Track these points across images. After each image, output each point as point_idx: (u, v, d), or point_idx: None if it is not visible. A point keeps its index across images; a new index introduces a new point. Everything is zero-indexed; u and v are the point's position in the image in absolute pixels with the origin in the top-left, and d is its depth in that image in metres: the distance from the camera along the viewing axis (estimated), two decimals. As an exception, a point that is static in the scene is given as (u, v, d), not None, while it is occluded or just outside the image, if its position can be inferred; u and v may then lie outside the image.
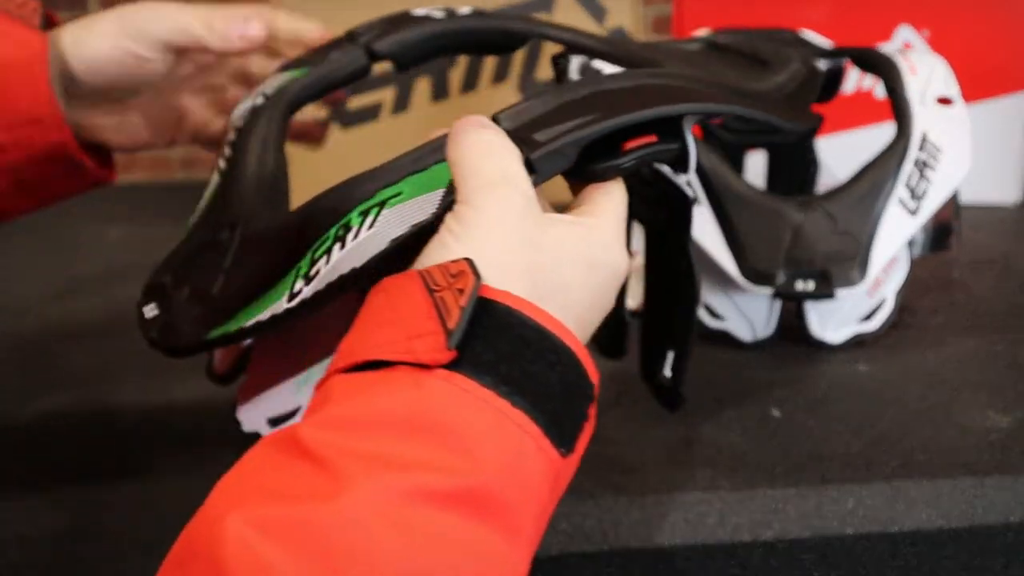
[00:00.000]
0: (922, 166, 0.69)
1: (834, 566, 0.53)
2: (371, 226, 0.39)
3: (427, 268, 0.35)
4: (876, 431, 0.60)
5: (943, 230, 0.74)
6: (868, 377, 0.67)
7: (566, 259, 0.37)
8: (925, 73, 0.74)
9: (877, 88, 1.09)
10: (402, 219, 0.39)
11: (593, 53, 0.59)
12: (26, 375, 0.70)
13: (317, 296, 0.39)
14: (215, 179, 0.52)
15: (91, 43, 0.52)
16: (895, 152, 0.69)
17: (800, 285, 0.67)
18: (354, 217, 0.39)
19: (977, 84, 1.06)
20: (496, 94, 1.10)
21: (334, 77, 0.55)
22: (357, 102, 1.06)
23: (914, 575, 0.54)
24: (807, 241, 0.68)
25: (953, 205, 0.74)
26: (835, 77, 0.83)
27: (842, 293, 0.67)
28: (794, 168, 0.89)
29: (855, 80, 1.10)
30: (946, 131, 0.70)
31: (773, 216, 0.68)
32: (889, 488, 0.54)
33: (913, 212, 0.68)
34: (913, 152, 0.69)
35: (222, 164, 0.51)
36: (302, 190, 0.49)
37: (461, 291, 0.33)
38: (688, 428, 0.61)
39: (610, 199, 0.41)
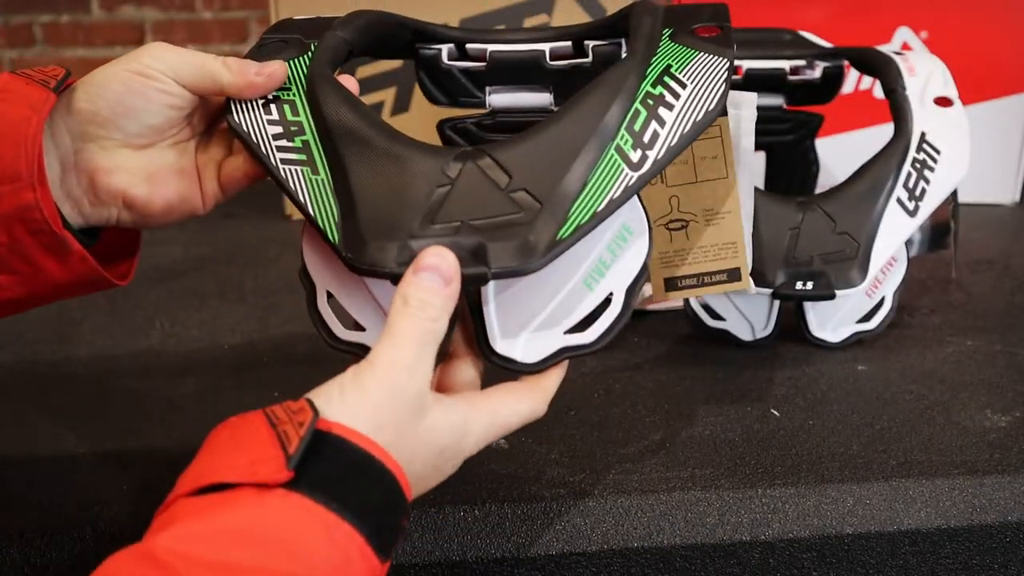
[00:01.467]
0: (921, 166, 0.69)
1: (833, 565, 0.53)
2: (685, 83, 0.49)
3: (272, 408, 0.41)
4: (875, 431, 0.60)
5: (942, 230, 0.74)
6: (867, 377, 0.67)
7: (442, 438, 0.44)
8: (924, 74, 0.74)
9: (876, 88, 1.10)
10: (713, 66, 0.50)
11: (457, 40, 0.64)
12: (25, 374, 0.70)
13: (671, 151, 0.47)
14: (302, 171, 0.49)
15: (97, 73, 0.49)
16: (894, 153, 0.69)
17: (800, 286, 0.67)
18: (652, 89, 0.49)
19: (976, 85, 1.06)
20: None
21: (337, 56, 0.55)
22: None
23: (913, 574, 0.54)
24: (807, 241, 0.68)
25: (952, 205, 0.74)
26: (835, 78, 0.83)
27: (841, 293, 0.67)
28: (794, 168, 0.89)
29: (855, 81, 1.10)
30: (945, 132, 0.71)
31: (773, 216, 0.69)
32: (888, 488, 0.54)
33: (912, 212, 0.68)
34: (912, 153, 0.69)
35: (294, 155, 0.49)
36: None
37: (301, 423, 0.39)
38: (688, 428, 0.61)
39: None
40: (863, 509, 0.53)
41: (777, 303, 0.71)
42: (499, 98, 0.66)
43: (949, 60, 0.77)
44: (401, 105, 1.07)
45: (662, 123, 0.48)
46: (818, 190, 0.91)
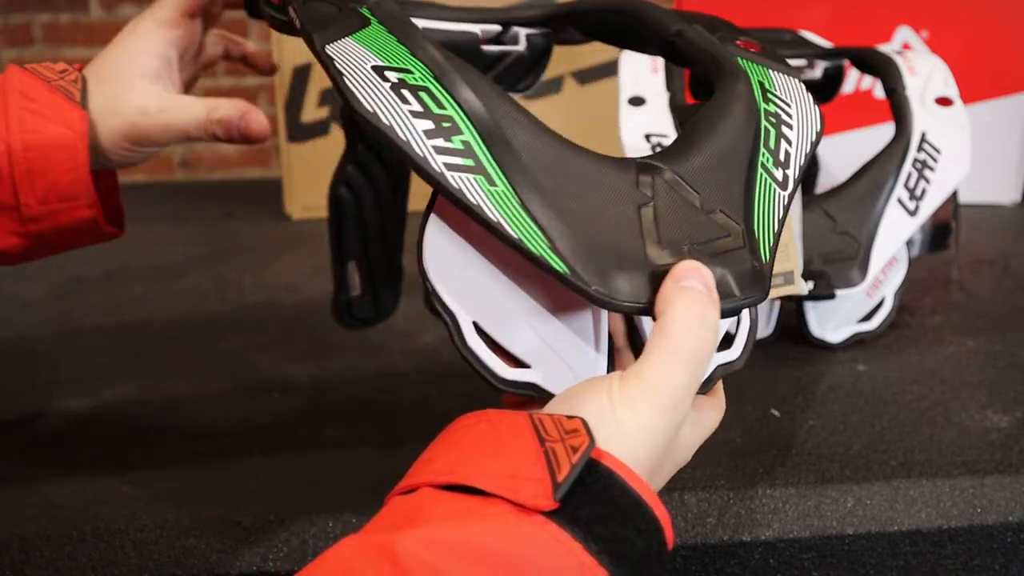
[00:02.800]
0: (921, 166, 0.69)
1: (833, 566, 0.53)
2: (788, 102, 0.48)
3: (539, 415, 0.37)
4: (875, 431, 0.60)
5: (942, 230, 0.74)
6: (867, 377, 0.67)
7: (680, 455, 0.42)
8: (924, 74, 0.74)
9: (876, 88, 1.10)
10: (796, 86, 0.49)
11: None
12: (26, 375, 0.70)
13: (801, 170, 0.46)
14: (477, 182, 0.40)
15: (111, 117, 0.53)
16: (894, 152, 0.70)
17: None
18: (767, 107, 0.47)
19: (977, 85, 1.06)
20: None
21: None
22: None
23: (913, 575, 0.54)
24: (807, 241, 0.68)
25: (952, 205, 0.74)
26: (835, 78, 0.83)
27: (841, 293, 0.67)
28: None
29: (855, 80, 1.10)
30: (945, 132, 0.71)
31: (773, 216, 0.68)
32: (888, 488, 0.54)
33: (912, 212, 0.68)
34: (912, 152, 0.69)
35: (459, 160, 0.41)
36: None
37: (575, 448, 0.35)
38: (688, 428, 0.61)
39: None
40: (863, 509, 0.53)
41: (777, 303, 0.71)
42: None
43: (950, 59, 0.77)
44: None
45: (789, 142, 0.46)
46: (818, 190, 0.91)
